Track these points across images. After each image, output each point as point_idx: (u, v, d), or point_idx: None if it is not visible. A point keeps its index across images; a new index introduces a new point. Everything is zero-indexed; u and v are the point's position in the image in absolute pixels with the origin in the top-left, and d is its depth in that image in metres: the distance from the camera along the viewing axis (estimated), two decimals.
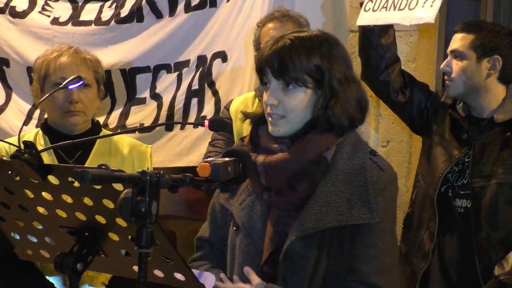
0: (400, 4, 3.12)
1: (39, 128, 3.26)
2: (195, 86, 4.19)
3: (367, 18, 3.26)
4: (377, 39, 3.31)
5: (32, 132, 3.25)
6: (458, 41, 3.24)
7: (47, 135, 3.20)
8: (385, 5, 3.20)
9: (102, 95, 3.29)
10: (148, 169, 3.13)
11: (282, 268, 2.33)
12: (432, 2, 3.00)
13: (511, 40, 3.23)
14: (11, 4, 4.66)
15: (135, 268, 1.92)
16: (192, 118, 4.17)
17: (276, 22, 3.53)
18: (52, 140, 3.15)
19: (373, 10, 3.24)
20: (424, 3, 3.03)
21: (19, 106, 4.46)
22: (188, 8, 4.29)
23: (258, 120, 2.48)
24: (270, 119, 2.38)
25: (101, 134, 3.24)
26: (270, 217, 2.40)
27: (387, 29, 3.31)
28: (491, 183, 3.11)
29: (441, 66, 3.29)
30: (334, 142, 2.39)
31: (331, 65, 2.35)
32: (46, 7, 4.66)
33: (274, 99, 2.34)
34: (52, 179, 1.98)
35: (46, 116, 3.30)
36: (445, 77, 3.28)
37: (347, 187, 2.34)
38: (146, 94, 4.37)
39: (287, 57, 2.31)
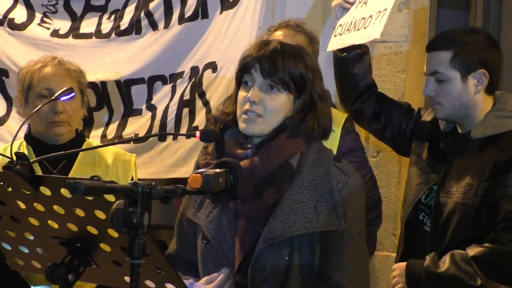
0: (359, 25, 3.09)
1: (23, 139, 3.26)
2: (187, 96, 4.21)
3: (334, 42, 3.20)
4: (350, 68, 3.17)
5: (16, 143, 3.25)
6: (436, 60, 2.97)
7: (31, 145, 3.20)
8: (348, 28, 3.16)
9: (86, 105, 3.31)
10: (132, 177, 3.16)
11: (252, 278, 2.35)
12: (381, 18, 2.98)
13: (490, 44, 2.99)
14: (10, 16, 4.68)
15: (126, 278, 1.93)
16: (184, 128, 4.19)
17: (290, 30, 3.53)
18: (36, 151, 3.15)
19: (340, 35, 3.18)
20: (376, 20, 3.00)
21: (21, 116, 4.47)
22: (181, 19, 4.31)
23: (224, 125, 2.49)
24: (245, 116, 2.40)
25: (85, 144, 3.25)
26: (239, 226, 2.41)
27: (361, 57, 3.17)
28: (451, 201, 2.89)
29: (424, 91, 3.05)
30: (301, 148, 2.44)
31: (313, 77, 2.44)
32: (45, 19, 4.69)
33: (257, 96, 2.38)
34: (44, 190, 1.99)
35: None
36: (430, 100, 3.03)
37: (313, 194, 2.38)
38: (143, 105, 4.39)
39: (279, 58, 2.39)
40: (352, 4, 3.18)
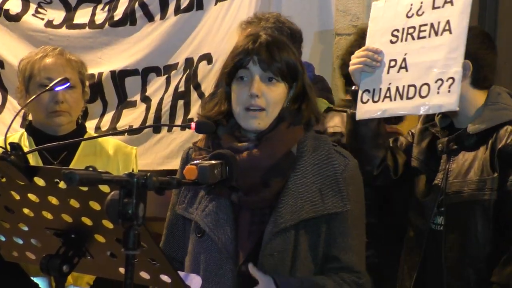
0: (408, 93, 2.87)
1: (23, 130, 3.26)
2: (182, 88, 4.21)
3: (368, 110, 2.95)
4: (368, 147, 3.02)
5: (16, 134, 3.26)
6: None
7: (32, 136, 3.20)
8: (387, 95, 2.92)
9: (87, 96, 3.30)
10: (133, 170, 3.16)
11: (263, 265, 2.36)
12: (449, 87, 2.77)
13: (482, 40, 2.99)
14: (5, 7, 4.70)
15: (121, 269, 1.92)
16: (179, 120, 4.19)
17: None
18: (37, 141, 3.15)
19: (374, 101, 2.94)
20: (439, 89, 2.80)
21: (15, 108, 4.46)
22: (178, 11, 4.31)
23: (216, 123, 2.48)
24: (248, 112, 2.41)
25: (86, 136, 3.25)
26: (242, 218, 2.43)
27: (378, 136, 3.02)
28: (463, 201, 2.88)
29: None
30: (300, 136, 2.47)
31: (302, 67, 2.49)
32: (39, 9, 4.70)
33: (259, 89, 2.39)
34: (39, 180, 1.98)
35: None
36: None
37: (317, 178, 2.43)
38: (137, 97, 4.39)
39: (275, 49, 2.42)
40: (379, 65, 2.95)
